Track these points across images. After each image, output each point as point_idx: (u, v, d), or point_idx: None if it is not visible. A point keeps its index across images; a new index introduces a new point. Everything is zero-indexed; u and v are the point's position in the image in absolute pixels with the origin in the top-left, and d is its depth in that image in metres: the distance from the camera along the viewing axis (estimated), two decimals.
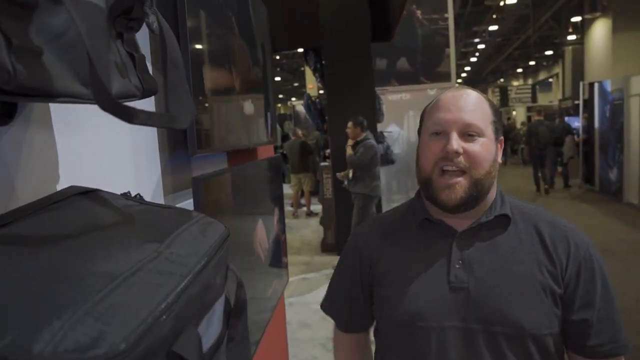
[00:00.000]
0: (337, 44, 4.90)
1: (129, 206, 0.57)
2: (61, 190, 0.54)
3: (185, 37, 0.94)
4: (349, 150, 4.39)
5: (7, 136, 0.52)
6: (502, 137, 0.86)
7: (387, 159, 5.35)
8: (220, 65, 1.18)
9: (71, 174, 0.64)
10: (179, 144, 1.01)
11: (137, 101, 0.55)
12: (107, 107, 0.37)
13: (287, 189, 8.08)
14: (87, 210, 0.51)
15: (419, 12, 6.92)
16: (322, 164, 5.99)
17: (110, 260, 0.39)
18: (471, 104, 0.81)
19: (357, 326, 1.00)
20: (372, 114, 4.99)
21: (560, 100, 14.37)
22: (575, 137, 9.50)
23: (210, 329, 0.46)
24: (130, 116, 0.38)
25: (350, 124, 4.39)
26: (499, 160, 0.85)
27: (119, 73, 0.48)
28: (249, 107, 1.48)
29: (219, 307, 0.49)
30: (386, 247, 0.91)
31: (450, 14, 6.82)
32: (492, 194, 0.85)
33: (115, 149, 0.77)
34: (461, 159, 0.78)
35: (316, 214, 6.98)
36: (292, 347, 2.80)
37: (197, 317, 0.43)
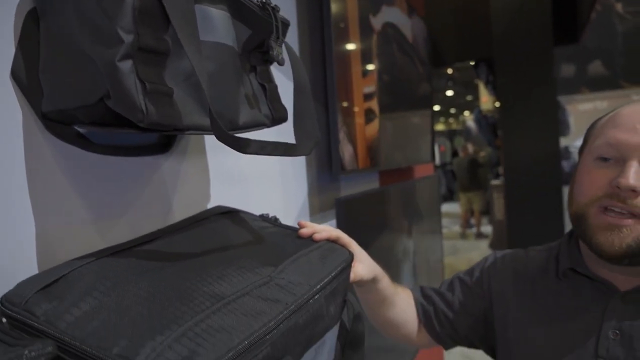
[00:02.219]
0: (511, 51, 4.52)
1: (263, 228, 0.60)
2: (206, 210, 0.61)
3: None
4: None
5: (167, 163, 0.61)
6: None
7: None
8: (373, 82, 1.20)
9: (222, 195, 0.71)
10: (327, 165, 1.05)
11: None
12: (221, 138, 0.39)
13: (456, 208, 7.70)
14: (222, 230, 0.55)
15: (618, 6, 5.90)
16: (493, 182, 5.54)
17: (223, 281, 0.41)
18: None
19: (430, 324, 0.81)
20: (553, 127, 4.43)
21: None
22: None
23: (319, 358, 0.45)
24: (243, 147, 0.41)
25: None
26: None
27: (248, 104, 0.51)
28: (402, 125, 1.46)
29: (330, 337, 0.47)
30: (516, 289, 0.74)
31: None
32: None
33: (264, 170, 0.84)
34: (639, 200, 0.57)
35: (486, 236, 6.46)
36: None
37: (302, 346, 0.42)
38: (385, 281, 0.74)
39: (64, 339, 0.33)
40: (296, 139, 0.53)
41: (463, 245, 6.57)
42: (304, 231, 0.58)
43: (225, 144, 0.40)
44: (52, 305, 0.37)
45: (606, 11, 5.80)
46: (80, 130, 0.49)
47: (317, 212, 1.02)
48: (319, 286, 0.46)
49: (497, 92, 4.88)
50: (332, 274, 0.50)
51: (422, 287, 0.86)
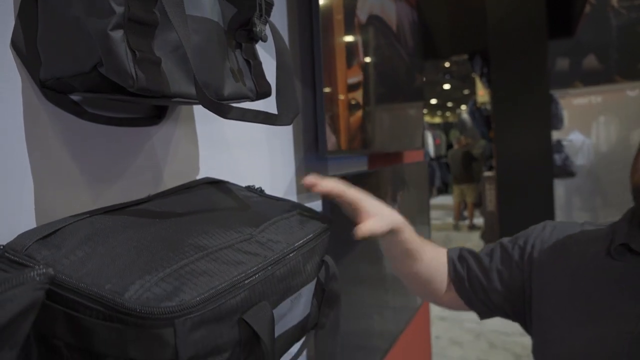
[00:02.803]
0: (506, 44, 4.55)
1: (248, 197, 0.64)
2: (195, 180, 0.65)
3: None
4: None
5: (158, 135, 0.65)
6: None
7: (566, 170, 4.73)
8: (359, 65, 1.23)
9: (211, 167, 0.75)
10: (314, 146, 1.09)
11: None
12: (205, 104, 0.43)
13: (450, 201, 7.77)
14: (209, 195, 0.59)
15: (613, 0, 5.94)
16: (486, 174, 5.59)
17: (207, 236, 0.45)
18: None
19: (462, 287, 0.77)
20: (546, 121, 4.48)
21: None
22: None
23: (295, 309, 0.50)
24: (225, 112, 0.44)
25: None
26: None
27: (233, 77, 0.55)
28: (391, 113, 1.50)
29: (306, 292, 0.52)
30: (562, 263, 0.69)
31: None
32: None
33: (252, 147, 0.87)
34: None
35: (479, 228, 6.54)
36: None
37: (278, 296, 0.46)
38: (407, 233, 0.71)
39: (62, 278, 0.37)
40: (278, 110, 0.57)
41: (456, 236, 6.65)
42: (308, 179, 0.60)
43: (209, 109, 0.44)
44: (50, 252, 0.41)
45: (601, 5, 5.83)
46: (76, 99, 0.52)
47: (303, 191, 1.06)
48: (296, 244, 0.50)
49: (491, 84, 4.92)
50: (310, 236, 0.54)
51: (460, 248, 0.81)
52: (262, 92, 0.60)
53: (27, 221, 0.48)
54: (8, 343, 0.24)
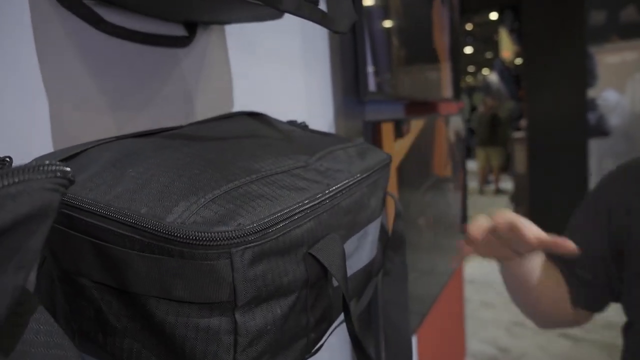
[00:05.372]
0: None
1: (293, 130, 0.55)
2: (232, 112, 0.57)
3: None
4: None
5: (187, 60, 0.56)
6: None
7: (600, 129, 4.51)
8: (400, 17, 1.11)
9: (245, 103, 0.66)
10: (354, 89, 0.99)
11: None
12: None
13: (473, 166, 7.59)
14: (251, 125, 0.51)
15: None
16: (515, 134, 5.39)
17: (258, 161, 0.37)
18: None
19: (579, 297, 0.67)
20: (581, 78, 4.23)
21: None
22: None
23: (362, 251, 0.42)
24: (278, 2, 0.35)
25: None
26: None
27: None
28: (430, 58, 1.38)
29: (372, 231, 0.43)
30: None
31: None
32: None
33: (289, 86, 0.78)
34: None
35: (505, 192, 6.37)
36: (472, 325, 2.64)
37: (345, 231, 0.38)
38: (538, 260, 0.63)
39: (87, 201, 0.29)
40: (330, 14, 0.47)
41: (481, 201, 6.51)
42: (473, 230, 0.51)
43: None
44: None
45: None
46: (91, 5, 0.44)
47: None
48: (359, 175, 0.42)
49: (522, 40, 4.65)
50: (374, 167, 0.45)
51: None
52: None
53: (43, 144, 0.40)
54: (10, 260, 0.16)
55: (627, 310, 0.63)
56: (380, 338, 0.79)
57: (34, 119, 0.40)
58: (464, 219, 1.82)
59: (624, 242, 0.62)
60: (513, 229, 0.51)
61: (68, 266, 0.31)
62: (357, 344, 0.35)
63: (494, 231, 0.53)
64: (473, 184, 7.53)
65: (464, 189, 1.83)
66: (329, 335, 0.39)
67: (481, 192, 6.94)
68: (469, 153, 9.94)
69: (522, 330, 2.58)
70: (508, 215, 0.52)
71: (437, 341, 1.77)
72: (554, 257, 0.68)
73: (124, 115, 0.48)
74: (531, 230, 0.51)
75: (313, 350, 0.35)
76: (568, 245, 0.50)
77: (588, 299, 0.66)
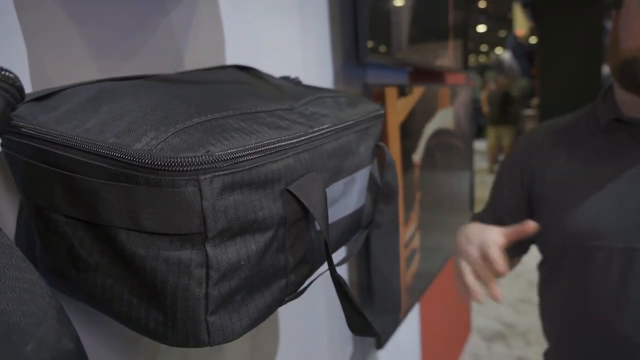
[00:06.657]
0: None
1: (284, 84, 0.54)
2: (223, 65, 0.55)
3: None
4: None
5: (176, 12, 0.54)
6: None
7: None
8: None
9: (236, 56, 0.65)
10: (353, 53, 0.96)
11: None
12: None
13: (483, 146, 7.49)
14: (239, 75, 0.49)
15: None
16: (526, 112, 5.28)
17: (240, 102, 0.36)
18: None
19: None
20: (597, 54, 4.11)
21: None
22: None
23: (348, 197, 0.40)
24: None
25: None
26: None
27: None
28: (435, 23, 1.34)
29: (360, 179, 0.42)
30: (557, 153, 0.73)
31: None
32: None
33: (284, 49, 0.76)
34: None
35: None
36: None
37: (329, 174, 0.37)
38: None
39: (57, 134, 0.28)
40: None
41: (490, 179, 6.44)
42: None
43: None
44: (45, 116, 0.32)
45: None
46: None
47: None
48: (347, 122, 0.40)
49: (536, 14, 4.53)
50: (364, 115, 0.44)
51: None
52: None
53: None
54: None
55: (540, 249, 0.76)
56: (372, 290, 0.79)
57: (11, 64, 0.39)
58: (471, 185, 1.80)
59: (533, 191, 0.75)
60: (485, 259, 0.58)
61: (41, 201, 0.30)
62: (340, 290, 0.34)
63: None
64: (482, 164, 7.47)
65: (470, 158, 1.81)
66: (314, 280, 0.39)
67: (491, 171, 6.88)
68: (479, 133, 9.82)
69: (528, 307, 2.58)
70: (483, 250, 0.58)
71: (443, 317, 1.77)
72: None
73: (108, 64, 0.46)
74: (497, 254, 0.56)
75: (293, 294, 0.34)
76: (527, 227, 0.58)
77: (514, 246, 0.74)
